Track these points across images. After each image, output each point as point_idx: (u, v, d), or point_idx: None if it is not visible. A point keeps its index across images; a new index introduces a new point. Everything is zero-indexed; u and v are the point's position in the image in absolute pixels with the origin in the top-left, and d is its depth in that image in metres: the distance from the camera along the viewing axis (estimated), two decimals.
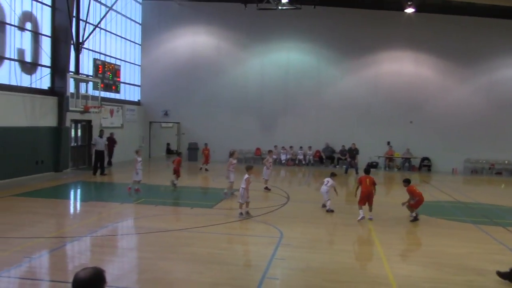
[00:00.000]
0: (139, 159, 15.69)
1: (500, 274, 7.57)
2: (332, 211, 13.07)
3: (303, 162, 27.34)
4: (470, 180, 24.12)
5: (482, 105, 26.46)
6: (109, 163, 23.00)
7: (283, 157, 27.39)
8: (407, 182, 12.85)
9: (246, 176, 12.13)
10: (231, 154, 15.62)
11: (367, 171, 12.76)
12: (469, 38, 26.39)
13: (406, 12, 25.21)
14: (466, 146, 26.30)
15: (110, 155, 23.02)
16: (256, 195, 15.59)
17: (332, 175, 13.77)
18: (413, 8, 24.51)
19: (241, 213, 12.05)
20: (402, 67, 27.08)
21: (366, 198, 12.15)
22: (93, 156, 20.45)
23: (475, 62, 26.55)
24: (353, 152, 23.83)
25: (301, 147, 27.47)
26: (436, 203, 15.38)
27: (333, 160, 27.40)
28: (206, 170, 22.72)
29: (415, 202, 12.54)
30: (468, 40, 26.39)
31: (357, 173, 23.44)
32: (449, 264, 8.65)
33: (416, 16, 25.83)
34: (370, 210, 12.32)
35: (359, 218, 11.89)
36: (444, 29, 26.49)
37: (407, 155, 26.67)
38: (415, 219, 12.21)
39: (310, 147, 27.35)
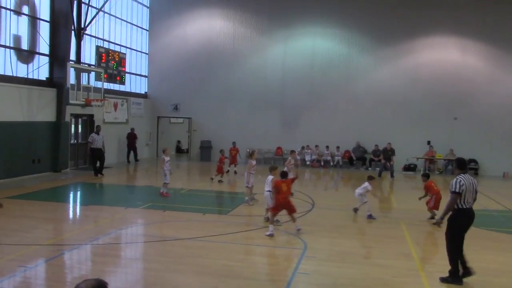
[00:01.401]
0: (167, 158, 15.82)
1: None
2: (371, 217, 13.17)
3: (331, 164, 27.22)
4: None
5: None
6: (136, 159, 26.04)
7: (307, 157, 27.31)
8: (426, 176, 13.58)
9: (271, 177, 12.16)
10: (251, 155, 15.60)
11: (283, 174, 11.97)
12: None
13: None
14: None
15: (135, 151, 26.07)
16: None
17: (370, 178, 13.90)
18: None
19: (268, 218, 11.96)
20: (445, 56, 26.68)
21: (284, 206, 11.38)
22: (91, 156, 20.65)
23: None
24: (388, 153, 23.62)
25: (327, 147, 27.33)
26: (484, 212, 15.12)
27: (364, 161, 27.21)
28: (235, 172, 22.50)
29: (434, 203, 13.00)
30: None
31: (392, 176, 23.24)
32: (498, 284, 8.49)
33: None
34: (293, 220, 11.46)
35: (267, 233, 11.01)
36: (496, 11, 25.99)
37: (450, 157, 26.26)
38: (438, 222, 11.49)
39: (338, 147, 27.19)
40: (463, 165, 8.32)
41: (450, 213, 8.28)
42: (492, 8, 26.03)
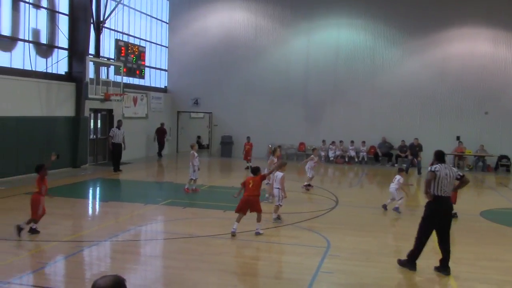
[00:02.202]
0: (196, 154, 16.15)
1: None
2: (397, 210, 13.32)
3: (356, 160, 27.04)
4: None
5: None
6: (160, 154, 27.12)
7: (331, 153, 27.17)
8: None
9: (280, 174, 12.21)
10: (273, 152, 15.58)
11: (254, 170, 11.40)
12: None
13: None
14: None
15: (161, 146, 27.16)
16: (299, 197, 15.56)
17: (400, 170, 14.06)
18: None
19: (278, 217, 12.18)
20: (475, 48, 26.19)
21: (247, 205, 10.82)
22: (112, 151, 20.87)
23: None
24: (415, 149, 23.37)
25: (352, 142, 27.13)
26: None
27: (390, 157, 26.96)
28: (247, 168, 22.54)
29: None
30: None
31: (419, 173, 22.98)
32: None
33: None
34: (258, 220, 10.92)
35: (232, 229, 10.69)
36: None
37: (481, 153, 25.86)
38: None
39: (363, 142, 26.96)
40: (441, 157, 8.92)
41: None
42: None
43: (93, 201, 15.82)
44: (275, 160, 15.07)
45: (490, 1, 25.72)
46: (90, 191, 17.39)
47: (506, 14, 25.60)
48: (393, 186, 14.00)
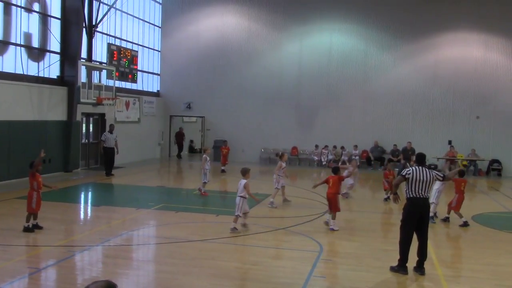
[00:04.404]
0: (208, 158, 16.52)
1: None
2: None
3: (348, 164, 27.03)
4: None
5: None
6: (179, 156, 29.24)
7: (324, 158, 27.21)
8: (460, 174, 13.58)
9: (244, 181, 11.63)
10: (280, 156, 15.67)
11: (335, 170, 12.51)
12: None
13: None
14: None
15: (180, 148, 29.44)
16: (292, 202, 15.55)
17: (390, 161, 13.71)
18: None
19: (234, 228, 11.45)
20: (467, 52, 26.37)
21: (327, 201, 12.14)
22: (103, 155, 20.81)
23: None
24: (408, 152, 23.40)
25: (342, 147, 27.21)
26: (508, 215, 14.97)
27: (382, 161, 27.02)
28: (223, 171, 22.80)
29: (455, 203, 13.13)
30: None
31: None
32: None
33: None
34: (333, 218, 11.97)
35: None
36: None
37: (473, 157, 25.99)
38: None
39: (356, 146, 27.04)
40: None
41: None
42: None
43: (85, 206, 15.74)
44: (283, 164, 15.10)
45: (482, 6, 25.92)
46: (82, 195, 17.30)
47: (497, 19, 25.81)
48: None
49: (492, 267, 9.58)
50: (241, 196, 11.45)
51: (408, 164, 23.32)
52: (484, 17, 25.94)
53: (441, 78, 26.65)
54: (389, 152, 26.75)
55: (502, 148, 25.83)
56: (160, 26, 29.63)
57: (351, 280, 8.47)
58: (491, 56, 26.22)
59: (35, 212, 10.97)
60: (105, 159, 20.65)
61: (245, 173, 11.79)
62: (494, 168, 26.06)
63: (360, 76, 27.47)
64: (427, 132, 26.42)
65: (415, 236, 8.97)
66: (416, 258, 8.91)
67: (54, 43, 20.64)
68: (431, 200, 13.84)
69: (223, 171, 22.99)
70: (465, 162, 25.88)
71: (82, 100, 20.54)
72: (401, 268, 8.85)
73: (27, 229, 10.74)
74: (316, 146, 27.44)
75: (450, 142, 26.27)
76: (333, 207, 11.85)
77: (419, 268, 8.87)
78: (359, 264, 9.42)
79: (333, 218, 11.87)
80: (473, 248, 11.08)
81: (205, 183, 16.35)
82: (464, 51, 26.41)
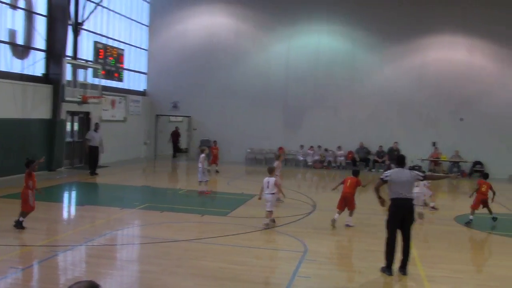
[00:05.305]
0: (205, 157, 16.92)
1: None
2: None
3: (333, 165, 27.19)
4: None
5: None
6: (175, 155, 29.87)
7: (309, 158, 27.30)
8: (483, 176, 14.56)
9: (273, 179, 12.36)
10: (278, 157, 16.03)
11: (355, 172, 13.24)
12: None
13: None
14: None
15: (175, 148, 29.97)
16: (277, 202, 15.55)
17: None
18: None
19: (269, 222, 12.25)
20: (452, 55, 26.63)
21: (344, 200, 12.64)
22: (88, 154, 20.67)
23: None
24: (394, 153, 23.53)
25: (326, 149, 27.31)
26: (489, 216, 15.10)
27: (368, 162, 27.18)
28: (217, 171, 22.78)
29: (474, 201, 13.76)
30: None
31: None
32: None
33: None
34: (350, 215, 12.66)
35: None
36: (504, 9, 25.89)
37: (456, 159, 26.24)
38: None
39: (339, 147, 27.15)
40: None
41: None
42: (500, 6, 25.94)
43: (69, 205, 15.60)
44: (279, 164, 15.32)
45: (466, 10, 26.16)
46: (66, 194, 17.15)
47: (481, 23, 26.07)
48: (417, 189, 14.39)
49: (474, 267, 9.69)
50: (272, 193, 12.20)
51: (392, 165, 23.57)
52: (469, 21, 26.19)
53: (427, 80, 26.86)
54: (374, 153, 26.93)
55: (484, 150, 26.09)
56: (147, 25, 29.46)
57: (335, 280, 8.50)
58: (476, 59, 26.49)
59: (32, 211, 10.97)
60: (90, 158, 20.49)
61: (271, 171, 12.62)
62: (477, 170, 26.30)
63: (347, 77, 27.57)
64: (412, 133, 26.58)
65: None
66: (401, 258, 8.98)
67: (39, 41, 20.42)
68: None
69: (217, 171, 22.90)
70: (446, 172, 26.08)
71: (67, 99, 20.37)
72: (386, 269, 8.91)
73: (19, 224, 10.70)
74: (302, 147, 27.51)
75: (434, 144, 26.50)
76: (350, 205, 12.55)
77: (402, 268, 8.94)
78: (343, 264, 9.46)
79: (350, 215, 12.58)
80: (455, 249, 11.18)
81: (204, 181, 16.70)
82: (449, 54, 26.66)
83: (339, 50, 27.70)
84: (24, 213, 10.87)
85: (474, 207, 13.66)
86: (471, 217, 13.51)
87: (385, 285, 8.57)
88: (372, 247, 11.18)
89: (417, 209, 13.86)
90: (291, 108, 28.04)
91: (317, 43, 27.84)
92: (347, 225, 12.51)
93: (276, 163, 15.22)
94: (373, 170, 26.43)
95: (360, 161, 27.23)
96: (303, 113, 27.99)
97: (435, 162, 26.42)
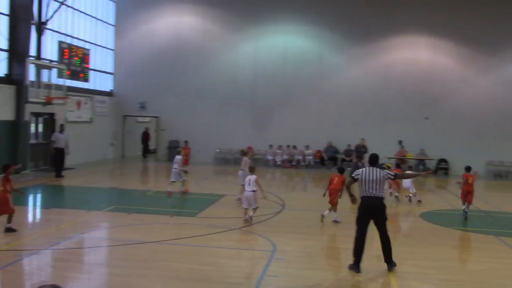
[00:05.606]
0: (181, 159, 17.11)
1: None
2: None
3: (302, 164, 27.39)
4: (493, 186, 24.29)
5: (508, 100, 26.57)
6: (144, 155, 30.06)
7: (278, 158, 27.43)
8: (466, 169, 14.88)
9: (254, 177, 12.73)
10: (245, 153, 16.02)
11: (340, 170, 14.11)
12: (495, 21, 26.44)
13: None
14: (489, 146, 26.42)
15: (146, 148, 30.25)
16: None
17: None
18: None
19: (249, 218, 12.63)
20: (416, 55, 27.17)
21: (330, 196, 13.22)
22: (54, 156, 20.31)
23: (501, 50, 26.68)
24: (361, 149, 23.74)
25: (294, 147, 27.52)
26: (453, 212, 15.49)
27: (336, 161, 27.47)
28: (186, 172, 22.63)
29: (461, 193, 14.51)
30: (494, 23, 26.43)
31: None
32: (467, 282, 8.72)
33: None
34: (333, 210, 13.13)
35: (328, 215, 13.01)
36: (466, 10, 26.60)
37: (422, 156, 26.78)
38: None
39: (307, 146, 27.38)
40: (372, 160, 9.54)
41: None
42: (462, 8, 26.62)
43: (34, 208, 15.28)
44: (248, 160, 15.27)
45: (430, 11, 26.71)
46: (31, 197, 16.78)
47: (444, 24, 26.68)
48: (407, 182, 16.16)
49: (439, 263, 9.90)
50: (253, 191, 12.53)
51: (360, 163, 23.87)
52: (432, 22, 26.76)
53: (392, 80, 27.33)
54: (343, 152, 27.24)
55: (449, 148, 26.69)
56: (113, 24, 29.09)
57: (304, 279, 8.57)
58: (439, 59, 27.09)
59: (13, 212, 10.95)
60: (55, 160, 20.12)
61: (253, 170, 13.13)
62: (442, 167, 26.93)
63: (315, 77, 27.82)
64: (379, 132, 26.97)
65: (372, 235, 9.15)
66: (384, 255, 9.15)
67: (1, 40, 19.92)
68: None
69: (185, 172, 22.67)
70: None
71: (30, 99, 19.98)
72: (354, 266, 9.01)
73: (10, 230, 10.80)
74: (271, 146, 27.62)
75: (400, 142, 26.96)
76: (331, 201, 12.99)
77: (387, 263, 9.10)
78: (311, 262, 9.54)
79: (334, 210, 13.05)
80: (420, 245, 11.41)
81: (181, 181, 16.84)
82: (414, 54, 27.18)
83: (306, 50, 27.92)
84: (10, 217, 10.88)
85: (464, 198, 14.40)
86: (463, 207, 14.34)
87: (353, 282, 8.68)
88: (341, 245, 11.34)
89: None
90: (259, 108, 28.12)
91: (285, 43, 28.00)
92: (335, 221, 12.95)
93: (244, 159, 15.32)
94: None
95: (328, 160, 27.51)
96: (271, 112, 28.11)
97: (401, 160, 26.89)
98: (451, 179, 24.93)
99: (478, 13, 26.56)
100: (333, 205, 13.02)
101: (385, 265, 9.17)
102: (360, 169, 9.31)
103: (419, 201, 16.53)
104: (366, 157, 23.41)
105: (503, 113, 26.51)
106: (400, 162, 26.89)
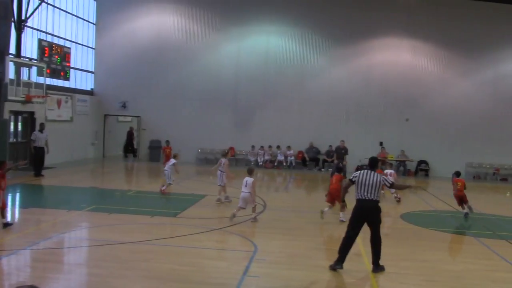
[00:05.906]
0: (175, 162, 17.09)
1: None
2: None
3: (284, 164, 27.46)
4: (472, 187, 24.42)
5: (486, 102, 27.04)
6: (126, 155, 30.07)
7: (260, 158, 27.47)
8: (455, 174, 15.76)
9: (251, 179, 12.83)
10: (226, 154, 16.22)
11: (339, 169, 14.70)
12: (473, 25, 26.92)
13: None
14: (468, 148, 26.85)
15: (132, 148, 30.13)
16: (227, 202, 15.60)
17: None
18: None
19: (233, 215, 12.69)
20: (397, 57, 27.47)
21: (331, 196, 13.57)
22: (34, 154, 20.08)
23: (479, 53, 27.12)
24: (341, 151, 23.93)
25: (278, 146, 27.60)
26: (433, 213, 15.69)
27: (317, 162, 27.62)
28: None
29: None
30: (473, 27, 26.92)
31: (345, 176, 23.63)
32: (445, 282, 8.84)
33: None
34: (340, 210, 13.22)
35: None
36: (445, 14, 26.99)
37: (402, 158, 27.05)
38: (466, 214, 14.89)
39: (289, 147, 27.47)
40: (371, 164, 9.48)
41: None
42: (442, 11, 27.01)
43: (12, 208, 15.05)
44: (227, 162, 15.63)
45: (410, 14, 27.05)
46: (9, 197, 16.53)
47: (424, 27, 27.04)
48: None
49: (419, 264, 10.02)
50: (248, 192, 12.63)
51: (341, 164, 24.00)
52: (412, 25, 27.08)
53: (373, 82, 27.58)
54: (324, 153, 27.38)
55: (429, 149, 27.03)
56: (95, 23, 28.85)
57: (284, 279, 8.61)
58: (419, 61, 27.43)
59: (5, 208, 11.36)
60: (35, 159, 19.88)
61: (251, 172, 13.25)
62: (422, 169, 27.25)
63: (297, 78, 27.93)
64: (360, 133, 27.19)
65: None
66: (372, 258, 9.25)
67: None
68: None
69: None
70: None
71: (10, 98, 19.66)
72: (336, 262, 9.06)
73: (8, 224, 11.13)
74: (253, 147, 27.65)
75: (381, 144, 27.20)
76: (338, 199, 12.90)
77: (374, 266, 9.17)
78: (292, 263, 9.58)
79: (341, 210, 13.00)
80: (401, 245, 11.53)
81: (169, 183, 16.94)
82: (394, 56, 27.48)
83: (288, 51, 28.02)
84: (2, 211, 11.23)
85: (459, 203, 15.12)
86: (462, 210, 15.10)
87: (331, 283, 8.73)
88: (322, 246, 11.40)
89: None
90: (241, 108, 28.13)
91: (267, 43, 28.07)
92: (341, 221, 12.82)
93: (224, 161, 15.39)
94: (323, 169, 26.86)
95: (310, 161, 27.65)
96: (253, 113, 28.15)
97: (382, 161, 27.08)
98: (431, 181, 25.26)
99: (458, 17, 27.00)
100: (340, 205, 12.72)
101: (367, 266, 9.25)
102: (358, 172, 9.28)
103: (398, 199, 16.86)
104: (347, 158, 23.77)
105: (482, 115, 26.93)
106: (381, 164, 27.11)
